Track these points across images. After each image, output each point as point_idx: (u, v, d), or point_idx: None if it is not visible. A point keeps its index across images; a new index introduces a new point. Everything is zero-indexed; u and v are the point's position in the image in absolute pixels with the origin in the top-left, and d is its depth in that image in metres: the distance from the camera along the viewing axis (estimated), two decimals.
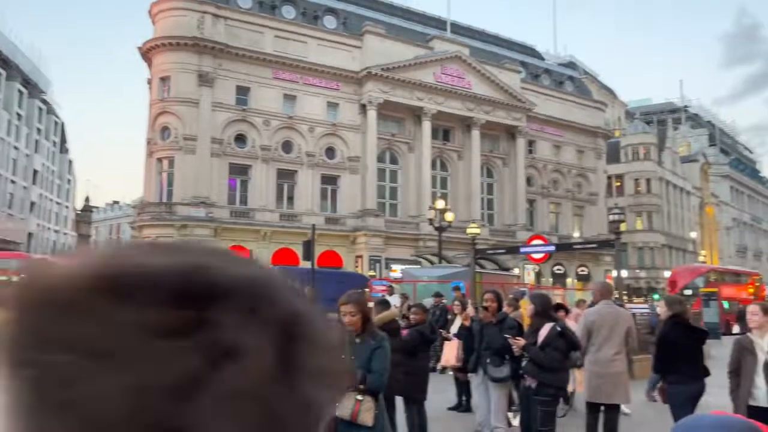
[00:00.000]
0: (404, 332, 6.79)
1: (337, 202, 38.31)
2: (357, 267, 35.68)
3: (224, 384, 0.28)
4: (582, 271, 47.26)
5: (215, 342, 0.29)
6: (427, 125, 39.96)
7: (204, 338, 0.29)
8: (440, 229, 24.92)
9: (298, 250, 28.93)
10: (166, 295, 0.29)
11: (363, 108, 38.36)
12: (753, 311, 5.44)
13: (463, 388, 9.27)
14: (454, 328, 9.34)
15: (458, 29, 45.97)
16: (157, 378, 0.28)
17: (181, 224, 32.85)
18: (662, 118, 77.49)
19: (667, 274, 45.91)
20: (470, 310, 8.54)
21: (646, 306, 30.62)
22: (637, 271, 54.21)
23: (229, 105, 35.21)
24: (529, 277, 34.90)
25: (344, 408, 3.76)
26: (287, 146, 36.88)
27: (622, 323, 6.49)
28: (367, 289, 21.40)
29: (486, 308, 6.18)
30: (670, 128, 67.65)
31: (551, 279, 43.12)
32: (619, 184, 56.09)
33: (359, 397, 3.79)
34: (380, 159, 39.27)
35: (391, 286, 19.22)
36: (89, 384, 0.28)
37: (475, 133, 41.94)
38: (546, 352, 5.64)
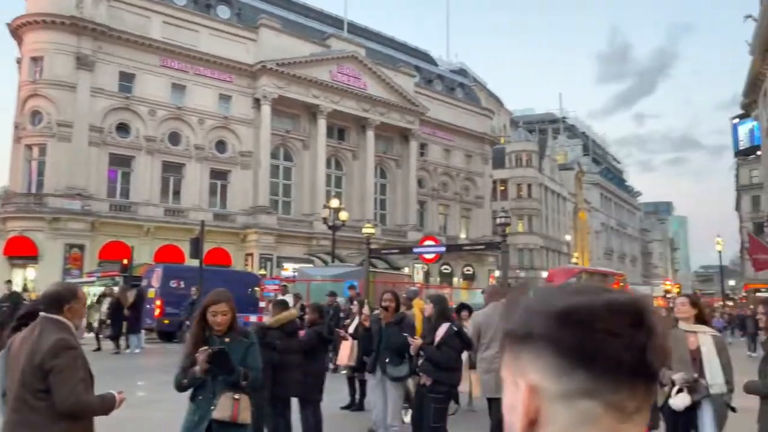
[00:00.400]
0: (301, 333, 6.70)
1: (227, 198, 37.09)
2: (247, 265, 34.76)
3: (655, 343, 0.64)
4: (467, 270, 49.26)
5: (650, 327, 0.65)
6: (322, 123, 39.76)
7: (645, 326, 0.65)
8: (334, 228, 24.88)
9: (185, 247, 27.70)
10: (631, 310, 0.65)
11: (257, 102, 37.42)
12: None
13: (357, 387, 9.30)
14: (351, 328, 9.34)
15: (355, 29, 46.13)
16: (632, 342, 0.63)
17: (52, 217, 30.32)
18: (543, 128, 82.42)
19: (544, 274, 49.00)
20: (366, 310, 8.57)
21: None
22: (518, 271, 57.22)
23: (111, 91, 32.95)
24: (419, 277, 35.81)
25: (223, 409, 3.67)
26: (174, 138, 35.14)
27: None
28: (258, 288, 20.92)
29: (386, 308, 6.23)
30: (550, 137, 72.20)
31: (439, 278, 44.52)
32: (503, 188, 58.96)
33: (236, 396, 3.71)
34: (274, 155, 38.54)
35: (284, 286, 18.90)
36: (607, 346, 0.63)
37: (370, 134, 42.36)
38: (442, 350, 5.79)
